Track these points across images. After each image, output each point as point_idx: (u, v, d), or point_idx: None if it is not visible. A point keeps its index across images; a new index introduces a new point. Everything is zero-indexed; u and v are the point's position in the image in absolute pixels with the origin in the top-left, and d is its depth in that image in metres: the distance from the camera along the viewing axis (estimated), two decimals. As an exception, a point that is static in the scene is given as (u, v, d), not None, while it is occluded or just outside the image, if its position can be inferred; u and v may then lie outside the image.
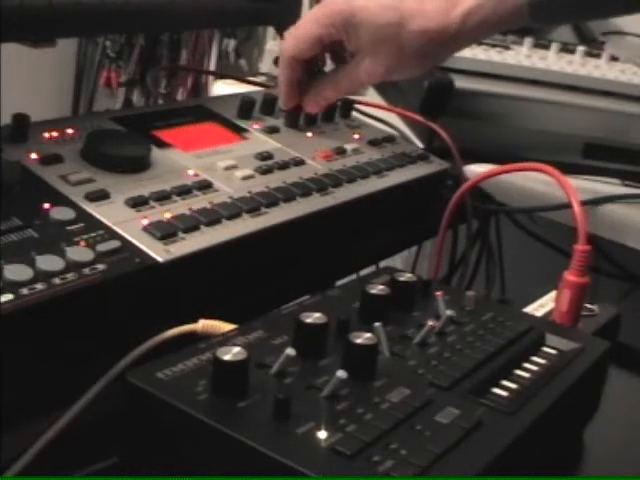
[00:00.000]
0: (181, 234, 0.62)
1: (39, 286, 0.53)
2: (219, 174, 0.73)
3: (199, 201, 0.67)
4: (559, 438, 0.55)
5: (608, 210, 0.90)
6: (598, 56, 1.10)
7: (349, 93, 0.86)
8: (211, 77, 1.94)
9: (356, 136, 0.90)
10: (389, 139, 0.91)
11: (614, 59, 1.11)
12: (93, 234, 0.59)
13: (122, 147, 0.70)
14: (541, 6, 0.72)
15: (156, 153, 0.72)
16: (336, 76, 0.82)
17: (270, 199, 0.70)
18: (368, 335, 0.50)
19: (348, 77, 0.81)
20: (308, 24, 0.79)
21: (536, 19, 0.74)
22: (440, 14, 0.74)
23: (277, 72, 0.84)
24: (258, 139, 0.82)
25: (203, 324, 0.56)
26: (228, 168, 0.74)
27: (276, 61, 1.26)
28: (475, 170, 0.92)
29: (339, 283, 0.68)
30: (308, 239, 0.73)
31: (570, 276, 0.66)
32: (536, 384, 0.53)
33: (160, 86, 2.96)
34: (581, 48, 1.10)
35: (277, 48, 1.25)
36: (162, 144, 0.75)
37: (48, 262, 0.54)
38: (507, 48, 1.09)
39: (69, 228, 0.59)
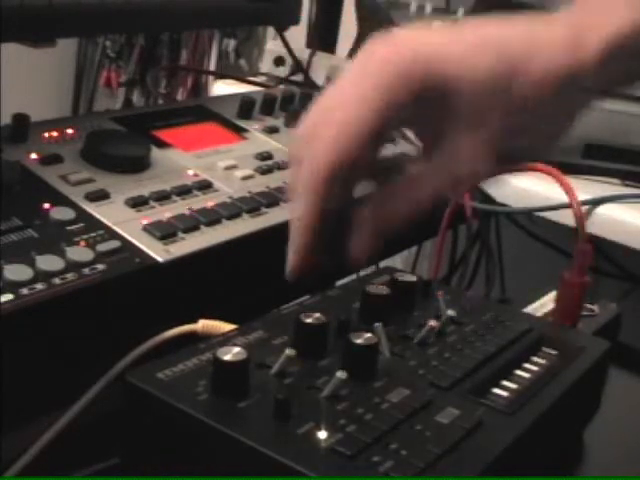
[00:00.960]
0: (181, 234, 0.62)
1: (39, 286, 0.53)
2: (219, 174, 0.73)
3: (199, 201, 0.67)
4: (559, 438, 0.55)
5: (608, 210, 0.90)
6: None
7: (433, 204, 0.50)
8: (211, 77, 1.94)
9: (356, 136, 0.89)
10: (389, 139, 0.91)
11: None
12: (93, 234, 0.59)
13: (122, 147, 0.70)
14: None
15: (156, 153, 0.72)
16: (409, 185, 0.50)
17: (270, 199, 0.70)
18: (368, 335, 0.50)
19: (436, 177, 0.49)
20: (354, 111, 0.45)
21: None
22: (566, 48, 0.46)
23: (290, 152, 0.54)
24: (258, 139, 0.82)
25: (203, 324, 0.56)
26: (228, 168, 0.74)
27: (276, 61, 1.26)
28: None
29: (339, 283, 0.68)
30: (308, 239, 0.73)
31: (570, 276, 0.66)
32: (536, 384, 0.53)
33: (160, 86, 2.96)
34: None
35: (277, 48, 1.25)
36: (162, 144, 0.75)
37: (48, 262, 0.54)
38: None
39: (69, 228, 0.59)
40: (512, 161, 0.50)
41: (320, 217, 0.47)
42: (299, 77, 1.18)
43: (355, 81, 0.46)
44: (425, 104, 0.46)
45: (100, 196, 0.64)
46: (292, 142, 0.49)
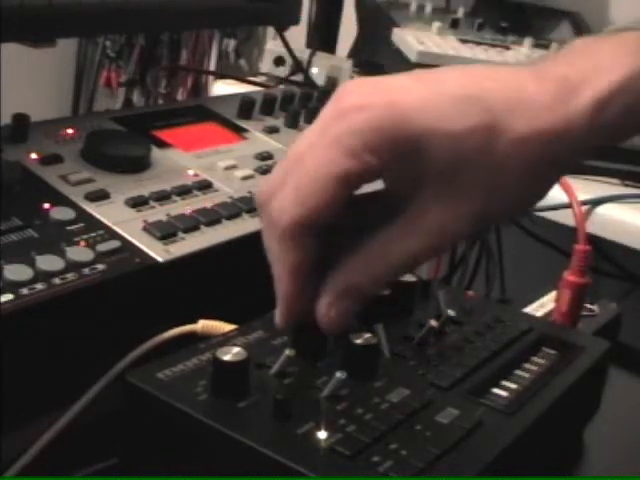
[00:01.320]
0: (181, 234, 0.62)
1: (39, 286, 0.53)
2: (219, 174, 0.73)
3: (199, 201, 0.67)
4: (559, 438, 0.55)
5: (608, 210, 0.90)
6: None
7: (401, 272, 0.49)
8: (211, 77, 1.94)
9: (356, 136, 0.89)
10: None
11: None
12: (93, 234, 0.59)
13: (122, 147, 0.70)
14: None
15: (156, 153, 0.72)
16: (375, 248, 0.45)
17: (270, 199, 0.70)
18: (368, 335, 0.50)
19: (401, 242, 0.45)
20: (324, 155, 0.43)
21: None
22: (554, 103, 0.43)
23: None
24: (258, 139, 0.82)
25: (203, 324, 0.56)
26: (228, 168, 0.74)
27: (276, 61, 1.26)
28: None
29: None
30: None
31: (570, 276, 0.66)
32: (536, 384, 0.53)
33: (160, 86, 2.96)
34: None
35: (277, 48, 1.25)
36: (162, 144, 0.75)
37: (48, 262, 0.54)
38: (507, 48, 1.09)
39: (69, 228, 0.59)
40: (485, 222, 0.47)
41: (296, 266, 0.45)
42: (299, 77, 1.18)
43: (326, 127, 0.44)
44: (399, 155, 0.43)
45: (100, 196, 0.64)
46: (260, 191, 0.46)
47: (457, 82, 0.44)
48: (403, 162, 0.43)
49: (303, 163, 0.44)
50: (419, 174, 0.43)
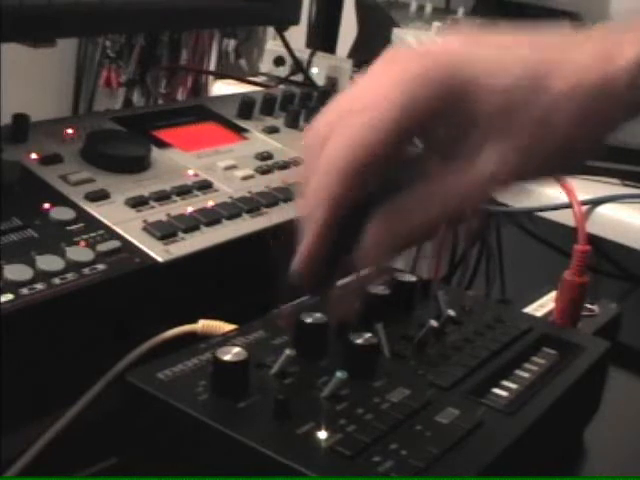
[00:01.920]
0: (181, 234, 0.62)
1: (39, 286, 0.53)
2: (219, 174, 0.73)
3: (199, 201, 0.67)
4: (559, 438, 0.55)
5: (608, 210, 0.90)
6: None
7: (456, 213, 0.47)
8: (211, 77, 1.94)
9: (356, 136, 0.89)
10: (389, 139, 0.91)
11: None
12: (93, 234, 0.59)
13: (122, 147, 0.70)
14: None
15: (156, 153, 0.72)
16: (424, 194, 0.45)
17: (270, 199, 0.70)
18: (368, 335, 0.50)
19: (458, 181, 0.45)
20: (383, 110, 0.44)
21: None
22: (598, 61, 0.45)
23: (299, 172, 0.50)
24: (258, 139, 0.82)
25: (203, 324, 0.56)
26: (228, 168, 0.74)
27: (276, 61, 1.26)
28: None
29: (339, 283, 0.68)
30: (308, 239, 0.73)
31: (570, 276, 0.66)
32: (536, 384, 0.53)
33: (160, 86, 2.96)
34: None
35: (277, 48, 1.25)
36: (162, 144, 0.75)
37: (48, 262, 0.54)
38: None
39: (69, 228, 0.59)
40: (531, 176, 0.48)
41: (339, 202, 0.44)
42: (299, 77, 1.18)
43: (381, 83, 0.45)
44: (454, 99, 0.44)
45: (100, 196, 0.64)
46: (304, 141, 0.47)
47: (505, 38, 0.47)
48: (459, 106, 0.44)
49: (358, 116, 0.44)
50: (473, 118, 0.45)
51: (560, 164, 0.48)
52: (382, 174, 0.45)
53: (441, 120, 0.45)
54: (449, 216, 0.46)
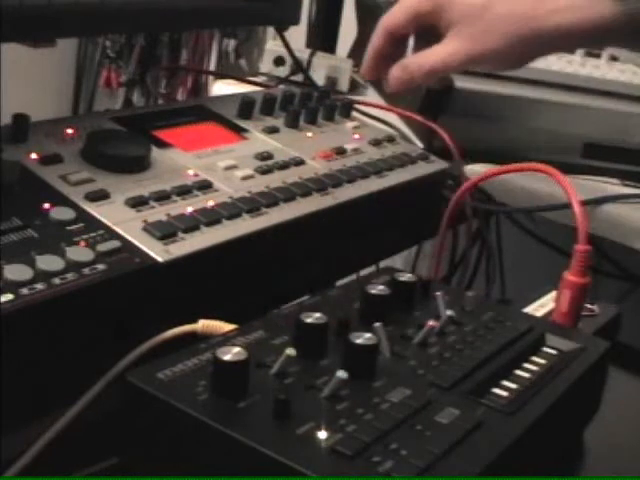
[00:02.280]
0: (181, 234, 0.62)
1: (39, 286, 0.53)
2: (219, 174, 0.73)
3: (199, 201, 0.67)
4: (559, 438, 0.55)
5: (608, 210, 0.90)
6: (598, 56, 1.10)
7: (429, 73, 0.78)
8: (211, 77, 1.94)
9: (356, 136, 0.90)
10: (389, 139, 0.91)
11: (614, 59, 1.11)
12: (93, 234, 0.59)
13: (122, 147, 0.70)
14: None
15: (156, 153, 0.72)
16: (422, 54, 0.78)
17: (270, 199, 0.70)
18: (368, 335, 0.50)
19: (432, 56, 0.77)
20: (402, 6, 0.79)
21: (636, 34, 0.68)
22: (529, 3, 0.71)
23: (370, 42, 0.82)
24: (258, 139, 0.82)
25: (203, 324, 0.56)
26: (228, 168, 0.74)
27: (276, 61, 1.26)
28: (475, 170, 0.92)
29: (339, 283, 0.68)
30: (308, 239, 0.73)
31: (570, 276, 0.66)
32: (536, 384, 0.53)
33: (160, 86, 2.96)
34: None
35: (277, 48, 1.25)
36: (162, 144, 0.75)
37: (48, 262, 0.54)
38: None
39: (69, 228, 0.59)
40: (476, 65, 0.79)
41: (382, 43, 0.80)
42: (299, 77, 1.18)
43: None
44: (438, 11, 0.75)
45: (100, 196, 0.64)
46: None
47: None
48: (440, 11, 0.75)
49: (400, 3, 0.79)
50: (448, 22, 0.75)
51: (494, 62, 0.77)
52: (401, 34, 0.80)
53: (429, 19, 0.76)
54: (425, 72, 0.77)
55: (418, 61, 0.78)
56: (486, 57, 0.74)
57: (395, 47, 0.80)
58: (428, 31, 0.77)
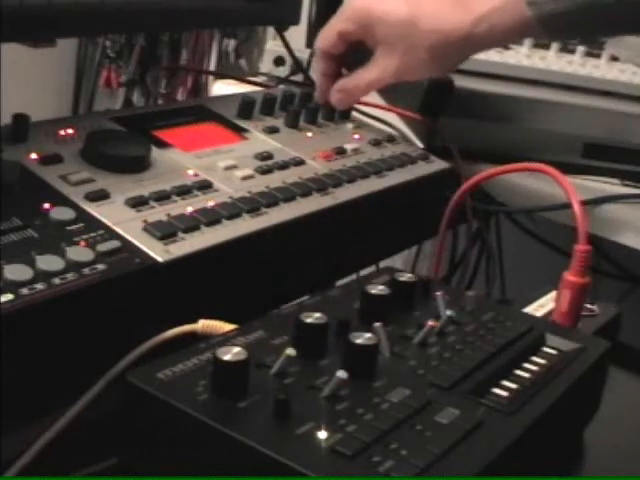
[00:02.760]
0: (181, 234, 0.62)
1: (39, 286, 0.53)
2: (219, 174, 0.73)
3: (199, 201, 0.67)
4: (559, 438, 0.55)
5: (608, 210, 0.90)
6: (598, 56, 1.10)
7: (365, 89, 0.85)
8: (211, 77, 1.94)
9: (356, 136, 0.90)
10: (389, 139, 0.91)
11: (614, 59, 1.11)
12: (93, 234, 0.59)
13: (122, 147, 0.70)
14: (550, 20, 0.73)
15: (156, 153, 0.72)
16: (357, 74, 0.84)
17: (270, 199, 0.70)
18: (368, 335, 0.50)
19: (365, 73, 0.82)
20: (333, 20, 0.84)
21: (547, 32, 0.75)
22: (452, 17, 0.77)
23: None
24: (258, 139, 0.82)
25: (203, 324, 0.56)
26: (228, 168, 0.74)
27: (276, 61, 1.26)
28: (475, 170, 0.92)
29: (339, 283, 0.68)
30: (308, 239, 0.73)
31: (570, 276, 0.66)
32: (536, 384, 0.53)
33: (160, 86, 2.96)
34: (581, 48, 1.10)
35: (277, 48, 1.25)
36: (162, 144, 0.75)
37: (48, 262, 0.54)
38: (507, 48, 1.09)
39: (69, 228, 0.59)
40: (403, 78, 0.82)
41: (323, 65, 0.86)
42: (299, 77, 1.18)
43: (338, 11, 0.84)
44: (365, 31, 0.81)
45: (100, 196, 0.64)
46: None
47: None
48: (367, 31, 0.81)
49: (329, 22, 0.84)
50: (375, 40, 0.81)
51: (422, 72, 0.83)
52: (336, 54, 0.85)
53: (356, 37, 0.82)
54: (362, 90, 0.85)
55: (354, 82, 0.84)
56: (415, 70, 0.81)
57: (336, 66, 0.85)
58: (358, 47, 0.83)
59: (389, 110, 1.00)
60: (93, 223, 0.61)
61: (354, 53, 0.86)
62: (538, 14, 0.73)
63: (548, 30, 0.75)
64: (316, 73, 0.87)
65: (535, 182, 0.91)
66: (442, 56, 0.79)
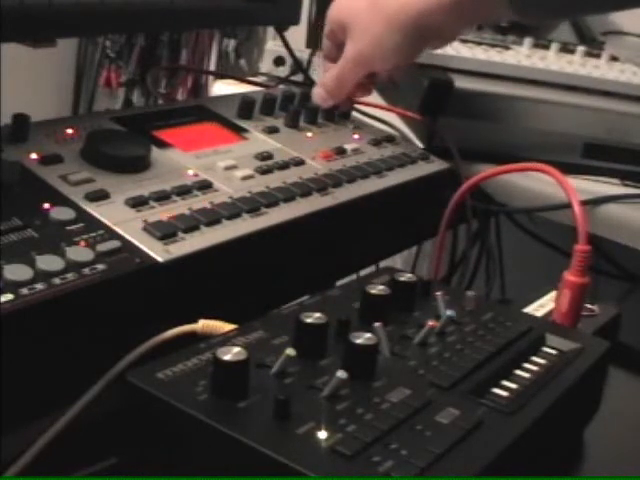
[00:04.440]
0: (181, 234, 0.62)
1: (39, 286, 0.53)
2: (219, 174, 0.73)
3: (199, 201, 0.67)
4: (559, 438, 0.55)
5: (608, 210, 0.90)
6: (598, 56, 1.10)
7: (337, 81, 0.88)
8: (211, 77, 1.94)
9: (356, 136, 0.90)
10: (389, 139, 0.91)
11: (614, 59, 1.11)
12: (93, 234, 0.59)
13: (122, 147, 0.70)
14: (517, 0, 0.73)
15: (156, 153, 0.72)
16: (330, 70, 0.88)
17: (270, 199, 0.70)
18: (368, 335, 0.50)
19: (336, 68, 0.86)
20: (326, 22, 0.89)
21: (518, 13, 0.75)
22: None
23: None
24: (258, 139, 0.82)
25: (203, 324, 0.56)
26: (228, 168, 0.74)
27: (276, 61, 1.26)
28: (475, 170, 0.92)
29: (339, 283, 0.68)
30: (308, 239, 0.73)
31: (570, 276, 0.66)
32: (536, 384, 0.53)
33: (160, 86, 2.96)
34: (581, 48, 1.10)
35: (277, 48, 1.25)
36: (162, 144, 0.75)
37: (48, 262, 0.54)
38: (507, 48, 1.09)
39: (69, 228, 0.59)
40: (377, 66, 0.86)
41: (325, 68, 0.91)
42: (299, 77, 1.18)
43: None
44: (339, 25, 0.85)
45: (100, 196, 0.64)
46: None
47: None
48: (341, 28, 0.85)
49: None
50: (346, 34, 0.84)
51: (391, 60, 0.84)
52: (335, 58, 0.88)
53: (338, 33, 0.86)
54: (345, 79, 0.87)
55: (330, 76, 0.87)
56: (381, 55, 0.83)
57: None
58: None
59: (389, 110, 1.00)
60: (93, 223, 0.61)
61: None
62: None
63: (519, 11, 0.74)
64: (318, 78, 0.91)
65: (535, 182, 0.91)
66: (404, 36, 0.80)
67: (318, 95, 0.89)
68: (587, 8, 0.85)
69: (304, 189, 0.74)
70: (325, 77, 0.88)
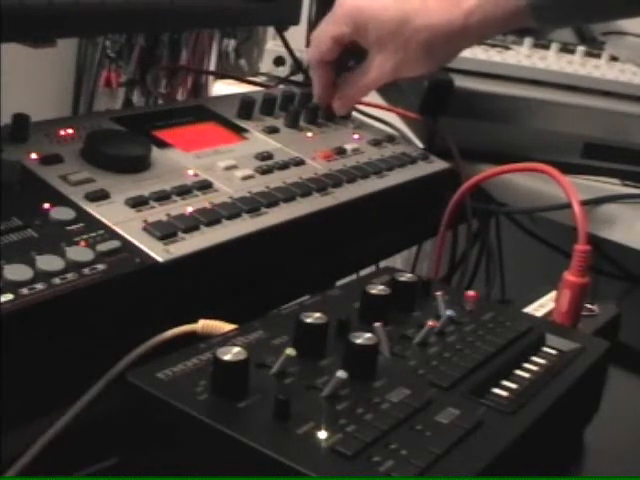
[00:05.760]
0: (181, 234, 0.62)
1: (39, 286, 0.53)
2: (219, 174, 0.73)
3: (199, 201, 0.67)
4: (559, 438, 0.55)
5: (608, 210, 0.90)
6: (598, 56, 1.10)
7: (366, 91, 0.88)
8: (211, 77, 1.94)
9: (356, 136, 0.90)
10: (389, 139, 0.91)
11: (614, 59, 1.11)
12: (93, 234, 0.59)
13: (122, 147, 0.70)
14: (543, 8, 0.76)
15: (156, 153, 0.72)
16: (354, 75, 0.86)
17: (270, 199, 0.70)
18: (368, 335, 0.50)
19: (363, 75, 0.85)
20: (324, 25, 0.85)
21: (538, 21, 0.77)
22: (443, 11, 0.79)
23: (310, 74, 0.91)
24: (258, 139, 0.82)
25: (203, 324, 0.56)
26: (228, 168, 0.74)
27: (276, 61, 1.26)
28: (475, 170, 0.92)
29: (339, 283, 0.68)
30: (308, 239, 0.73)
31: (570, 276, 0.66)
32: (536, 384, 0.53)
33: (160, 86, 2.96)
34: (581, 48, 1.10)
35: (277, 48, 1.25)
36: (162, 144, 0.75)
37: (48, 262, 0.54)
38: (507, 48, 1.09)
39: (69, 228, 0.59)
40: (401, 75, 0.85)
41: (320, 73, 0.87)
42: (299, 77, 1.18)
43: (326, 16, 0.85)
44: (358, 32, 0.82)
45: (100, 196, 0.64)
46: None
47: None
48: (360, 32, 0.82)
49: (318, 28, 0.85)
50: (368, 40, 0.83)
51: (418, 68, 0.84)
52: (332, 60, 0.86)
53: (351, 39, 0.83)
54: (363, 94, 0.89)
55: (354, 87, 0.87)
56: (411, 66, 0.83)
57: (333, 73, 0.87)
58: (352, 50, 0.85)
59: (389, 110, 1.00)
60: (93, 223, 0.61)
61: (346, 56, 0.87)
62: (531, 3, 0.75)
63: (540, 19, 0.77)
64: (314, 82, 0.88)
65: (535, 182, 0.91)
66: (436, 51, 0.82)
67: (342, 108, 0.89)
68: (605, 16, 0.90)
69: (304, 189, 0.74)
70: (351, 89, 0.87)
